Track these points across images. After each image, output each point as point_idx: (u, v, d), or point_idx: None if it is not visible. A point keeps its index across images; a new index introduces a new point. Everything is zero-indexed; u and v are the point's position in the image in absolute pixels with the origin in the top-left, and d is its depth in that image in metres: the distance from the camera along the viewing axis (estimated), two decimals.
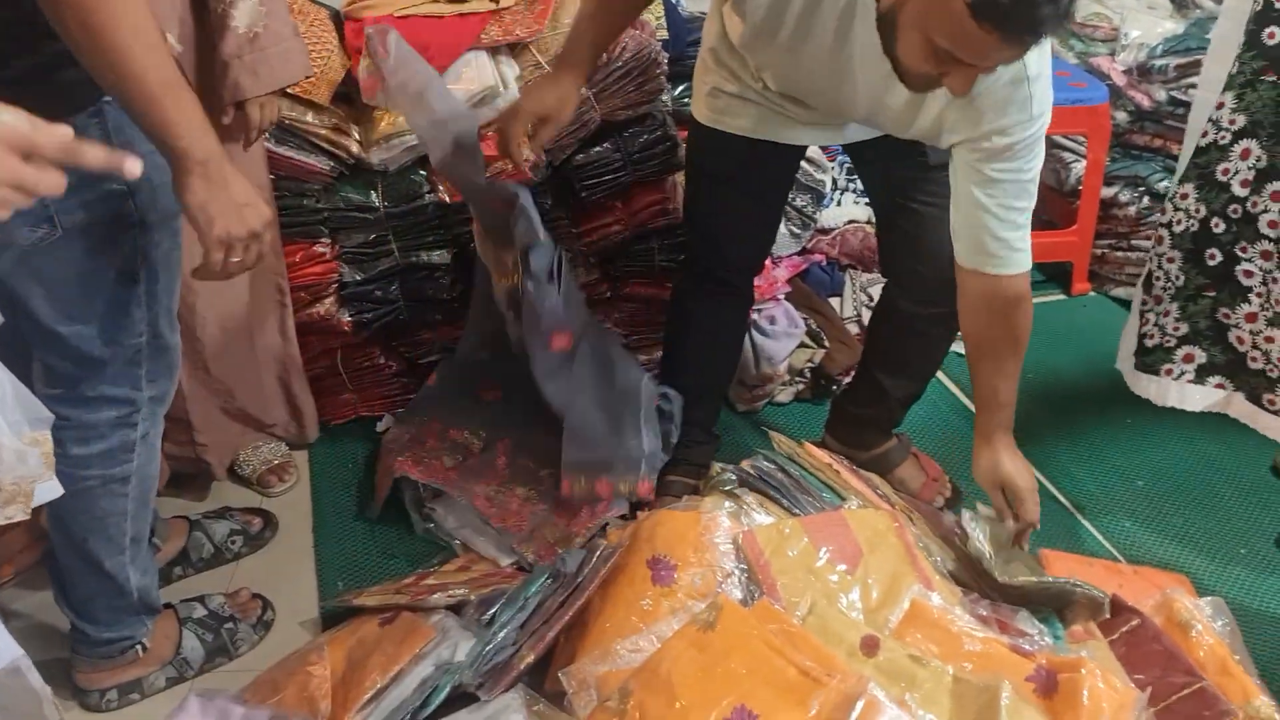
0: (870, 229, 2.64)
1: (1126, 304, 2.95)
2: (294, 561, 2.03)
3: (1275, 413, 1.97)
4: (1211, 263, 1.96)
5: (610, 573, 1.62)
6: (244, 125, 1.79)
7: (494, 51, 2.07)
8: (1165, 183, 2.82)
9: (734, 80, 1.77)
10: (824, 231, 2.65)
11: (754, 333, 2.36)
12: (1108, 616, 1.65)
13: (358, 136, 2.09)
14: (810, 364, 2.47)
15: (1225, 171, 1.90)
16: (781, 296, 2.47)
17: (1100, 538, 2.13)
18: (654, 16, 2.24)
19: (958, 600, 1.62)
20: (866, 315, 2.53)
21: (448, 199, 2.13)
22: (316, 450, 2.32)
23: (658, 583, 1.59)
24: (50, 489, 1.18)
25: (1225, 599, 1.79)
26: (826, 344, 2.48)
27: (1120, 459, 2.36)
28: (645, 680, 1.44)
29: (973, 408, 2.51)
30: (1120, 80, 2.92)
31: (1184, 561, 2.07)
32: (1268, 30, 1.81)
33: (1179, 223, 2.00)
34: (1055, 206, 3.14)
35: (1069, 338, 2.83)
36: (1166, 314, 2.03)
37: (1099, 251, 3.01)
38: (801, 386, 2.50)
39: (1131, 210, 2.89)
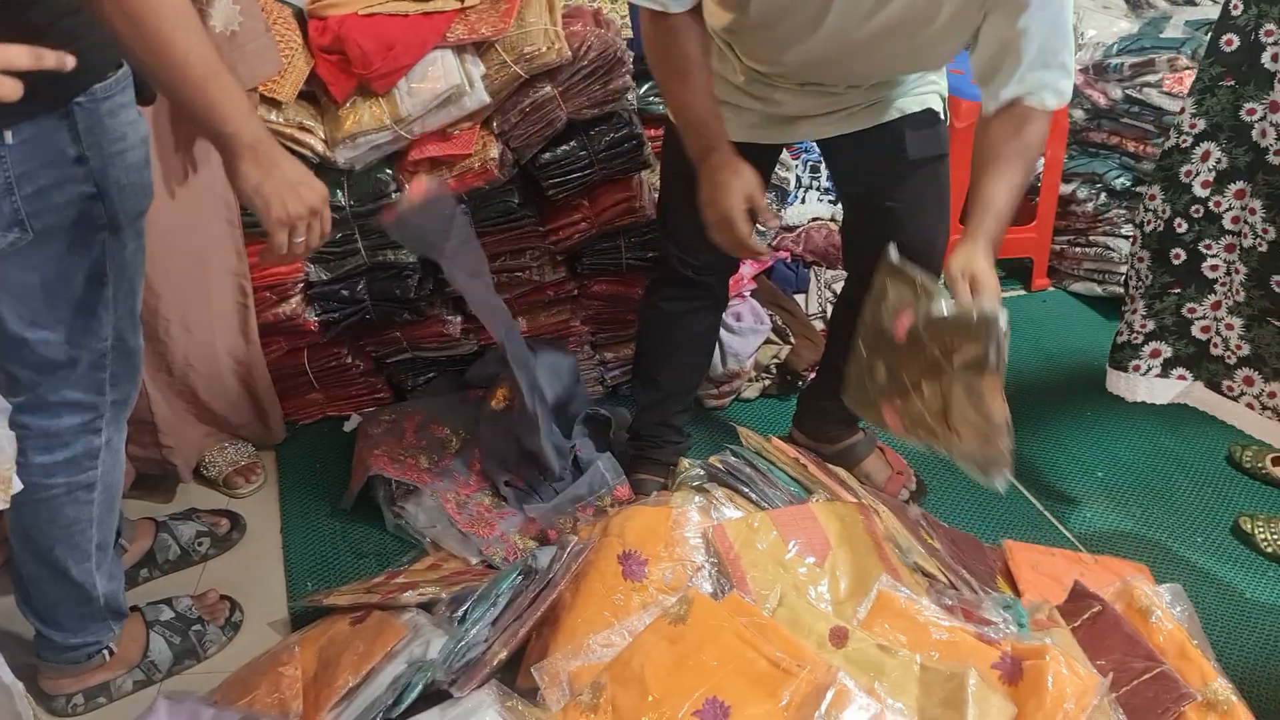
0: (834, 226, 2.66)
1: (1085, 299, 3.02)
2: (262, 562, 2.02)
3: (1234, 399, 2.01)
4: (1176, 261, 2.00)
5: (581, 568, 1.63)
6: None
7: (460, 50, 2.07)
8: (1122, 179, 2.87)
9: (718, 84, 1.74)
10: (789, 229, 2.68)
11: (720, 330, 2.38)
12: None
13: (323, 135, 2.08)
14: (776, 360, 2.50)
15: (1188, 174, 1.94)
16: (747, 293, 2.49)
17: (1061, 528, 2.17)
18: (619, 15, 2.25)
19: (924, 591, 1.65)
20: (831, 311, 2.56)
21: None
22: (283, 451, 2.30)
23: (629, 577, 1.60)
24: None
25: (1183, 586, 1.83)
26: (792, 340, 2.51)
27: (1080, 451, 2.41)
28: (618, 674, 1.45)
29: None
30: (1077, 79, 2.96)
31: (1143, 550, 2.11)
32: (1225, 37, 1.85)
33: (1149, 223, 2.04)
34: None
35: (1029, 333, 2.87)
36: (1134, 311, 2.07)
37: (1058, 247, 3.06)
38: (768, 383, 2.52)
39: (1089, 207, 2.94)
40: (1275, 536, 2.10)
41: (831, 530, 1.66)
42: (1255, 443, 2.34)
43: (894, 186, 1.86)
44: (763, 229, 2.06)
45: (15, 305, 1.32)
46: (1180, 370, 2.06)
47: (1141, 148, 2.84)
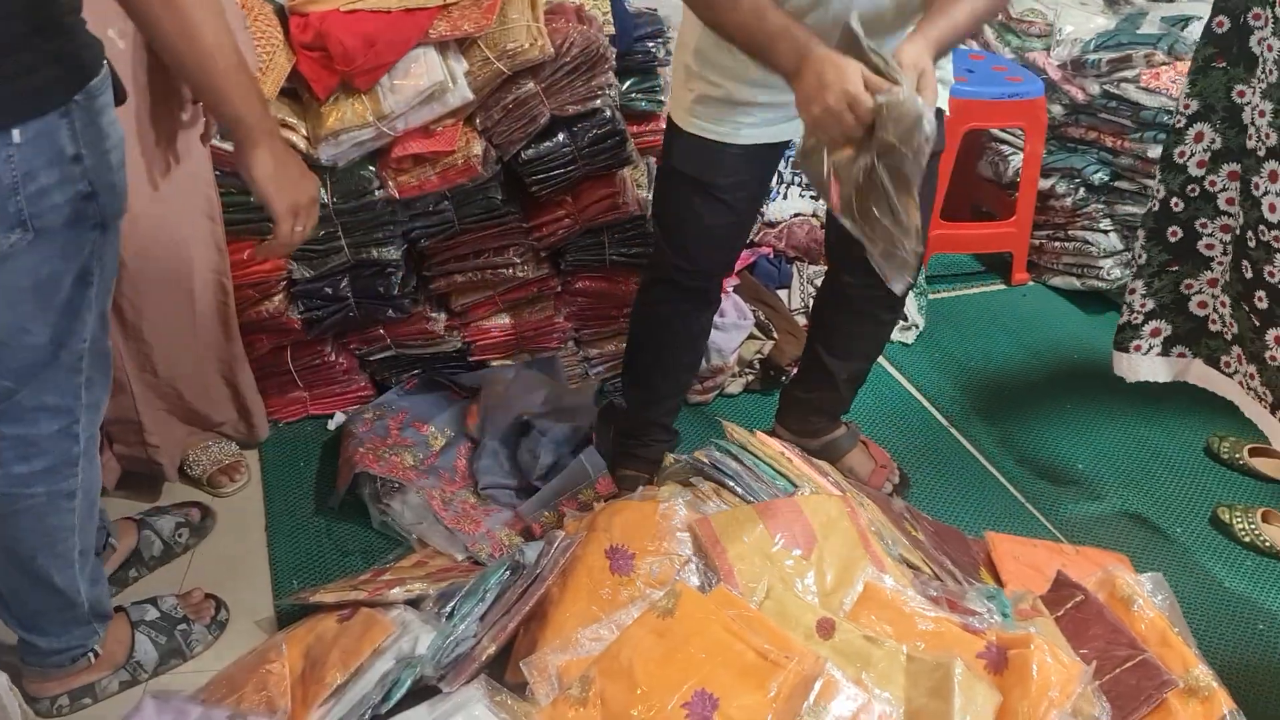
0: (816, 222, 2.68)
1: (1065, 293, 3.04)
2: (247, 561, 2.01)
3: (1229, 375, 2.03)
4: (1173, 239, 2.02)
5: (569, 563, 1.63)
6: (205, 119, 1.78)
7: (442, 47, 2.07)
8: (1100, 174, 2.90)
9: (725, 77, 1.71)
10: (771, 225, 2.69)
11: None
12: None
13: (305, 132, 2.07)
14: (759, 355, 2.51)
15: (1181, 154, 1.97)
16: (730, 289, 2.50)
17: (1043, 519, 2.19)
18: (601, 12, 2.26)
19: (909, 582, 1.66)
20: None
21: (397, 195, 2.12)
22: (267, 449, 2.30)
23: (616, 572, 1.60)
24: None
25: (1163, 575, 1.85)
26: (775, 335, 2.52)
27: (1061, 444, 2.43)
28: (606, 668, 1.46)
29: (920, 398, 2.58)
30: (1055, 75, 2.99)
31: (1123, 541, 2.13)
32: (1217, 19, 1.88)
33: (1150, 204, 2.07)
34: (994, 198, 3.21)
35: (1009, 326, 2.89)
36: (1134, 292, 2.09)
37: (1037, 242, 3.08)
38: (751, 378, 2.53)
39: (1068, 201, 2.96)
40: (1252, 526, 2.12)
41: (817, 523, 1.67)
42: (1233, 434, 2.37)
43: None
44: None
45: (5, 310, 1.30)
46: (1180, 348, 2.08)
47: (1119, 143, 2.86)
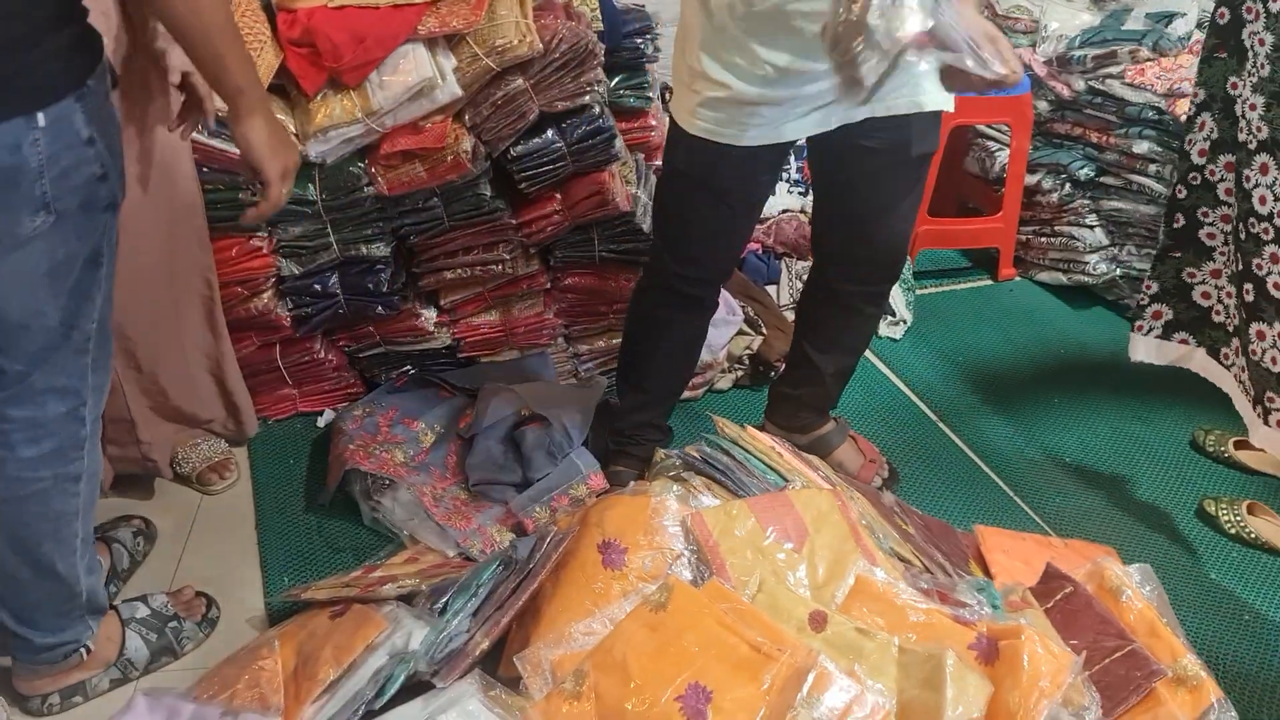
0: (804, 218, 2.69)
1: (1051, 288, 3.06)
2: (238, 558, 2.01)
3: (1227, 367, 2.05)
4: (1176, 225, 2.05)
5: (561, 558, 1.63)
6: (196, 106, 1.77)
7: (431, 43, 2.07)
8: (1085, 170, 2.91)
9: (734, 76, 1.67)
10: (759, 221, 2.69)
11: None
12: None
13: (294, 129, 2.07)
14: (748, 351, 2.51)
15: (1189, 142, 2.00)
16: None
17: (1031, 513, 2.20)
18: (589, 9, 2.26)
19: (900, 575, 1.67)
20: None
21: (386, 191, 2.12)
22: (257, 446, 2.29)
23: (609, 566, 1.60)
24: None
25: (1151, 567, 1.86)
26: (764, 331, 2.53)
27: (1048, 438, 2.44)
28: (600, 662, 1.46)
29: (908, 393, 2.60)
30: (1041, 71, 3.00)
31: (1111, 533, 2.14)
32: (1219, 10, 1.91)
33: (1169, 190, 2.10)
34: (981, 194, 3.23)
35: (997, 322, 2.91)
36: (1147, 273, 2.12)
37: (1023, 237, 3.10)
38: (740, 373, 2.54)
39: (1054, 197, 2.98)
40: (1238, 518, 2.14)
41: (808, 516, 1.68)
42: (1218, 427, 2.39)
43: (884, 180, 1.86)
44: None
45: (22, 294, 1.33)
46: (1182, 334, 2.09)
47: (1104, 139, 2.88)
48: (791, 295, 2.69)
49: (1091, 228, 2.95)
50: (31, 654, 1.63)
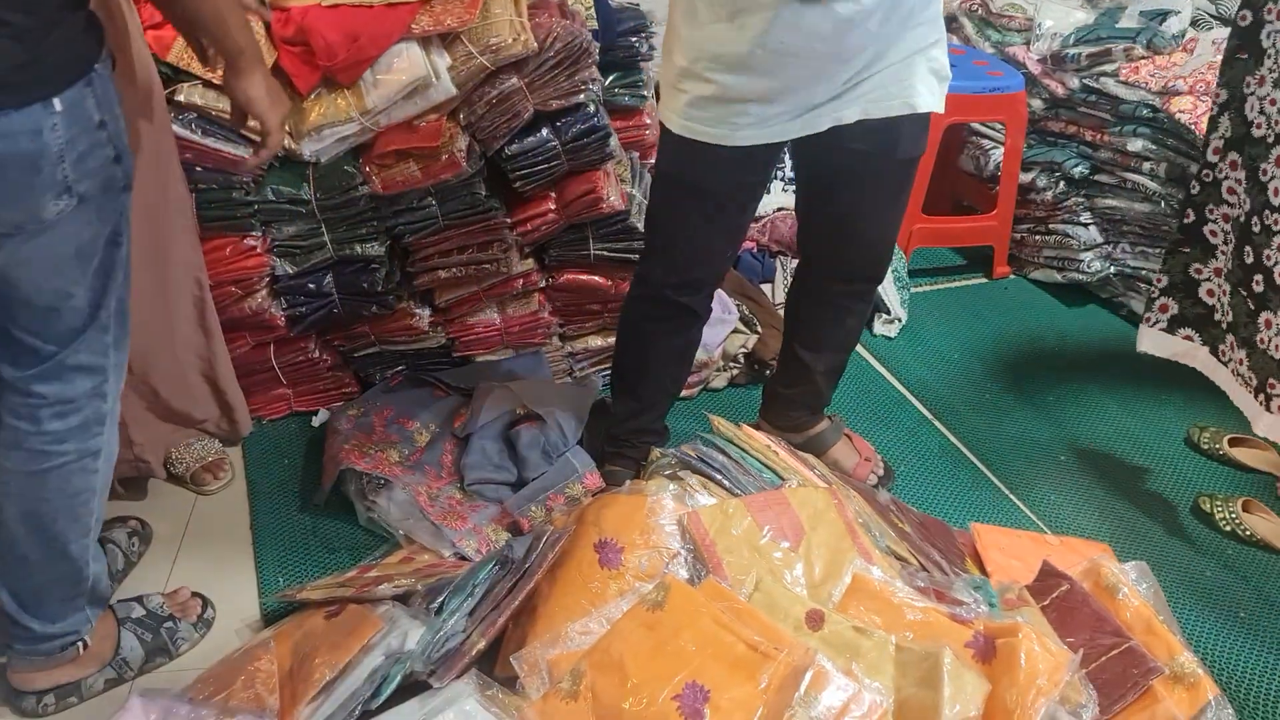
0: None
1: (1046, 286, 3.06)
2: (232, 559, 2.00)
3: (1224, 363, 2.05)
4: (1187, 220, 2.07)
5: (558, 557, 1.63)
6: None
7: (425, 42, 2.06)
8: (1080, 168, 2.91)
9: (723, 70, 1.64)
10: (754, 219, 2.69)
11: None
12: None
13: (287, 128, 2.06)
14: (744, 350, 2.51)
15: (1208, 141, 2.02)
16: None
17: (1027, 511, 2.20)
18: (584, 6, 2.25)
19: (897, 573, 1.67)
20: None
21: (381, 190, 2.11)
22: (251, 446, 2.28)
23: (605, 565, 1.60)
24: None
25: (1147, 564, 1.87)
26: (759, 329, 2.52)
27: (1043, 436, 2.44)
28: (597, 661, 1.46)
29: (903, 391, 2.59)
30: (1035, 69, 3.00)
31: (1106, 531, 2.15)
32: (1241, 13, 1.93)
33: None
34: (975, 192, 3.23)
35: (991, 320, 2.91)
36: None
37: (1018, 236, 3.10)
38: (736, 372, 2.54)
39: (1049, 195, 2.98)
40: (1233, 515, 2.14)
41: (805, 515, 1.68)
42: (1213, 424, 2.39)
43: (871, 183, 1.86)
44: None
45: (52, 278, 1.38)
46: (1187, 330, 2.10)
47: (1099, 136, 2.88)
48: (786, 293, 2.68)
49: (1086, 226, 2.95)
50: (30, 643, 1.62)
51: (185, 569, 1.97)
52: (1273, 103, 1.85)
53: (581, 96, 2.17)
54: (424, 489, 2.06)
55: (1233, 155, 1.95)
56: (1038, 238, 3.06)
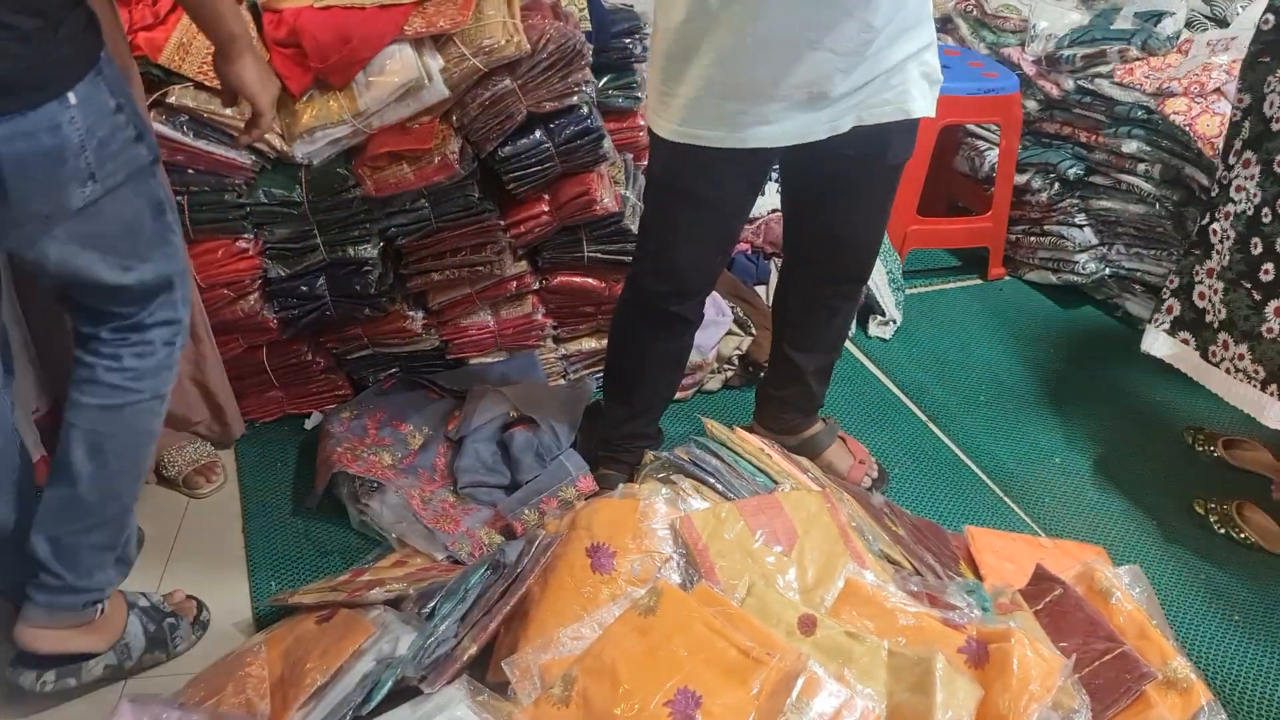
0: None
1: (1040, 288, 3.06)
2: (225, 563, 2.00)
3: (1215, 364, 2.05)
4: (1203, 222, 2.08)
5: (550, 562, 1.62)
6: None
7: (418, 43, 2.05)
8: (1075, 169, 2.91)
9: (714, 61, 1.61)
10: (748, 221, 2.69)
11: None
12: None
13: (279, 130, 2.06)
14: (738, 352, 2.51)
15: (1229, 144, 2.03)
16: None
17: (1021, 513, 2.20)
18: (577, 8, 2.25)
19: (890, 577, 1.66)
20: None
21: (373, 192, 2.11)
22: (244, 449, 2.28)
23: (597, 570, 1.60)
24: None
25: (1140, 568, 1.86)
26: (754, 331, 2.52)
27: (1037, 438, 2.44)
28: (588, 666, 1.45)
29: (897, 393, 2.59)
30: (1030, 70, 3.00)
31: (1100, 534, 2.14)
32: (1265, 17, 1.95)
33: None
34: (970, 193, 3.23)
35: (986, 321, 2.91)
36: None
37: (1013, 237, 3.10)
38: (730, 374, 2.54)
39: (1043, 196, 2.97)
40: (1227, 517, 2.14)
41: (798, 519, 1.67)
42: (1207, 427, 2.39)
43: (858, 188, 1.86)
44: None
45: (107, 258, 1.47)
46: (1185, 334, 2.11)
47: (1094, 138, 2.88)
48: (774, 295, 2.68)
49: (1080, 227, 2.95)
50: (54, 594, 1.62)
51: (177, 572, 1.96)
52: None
53: (575, 98, 2.16)
54: (417, 492, 2.06)
55: (1247, 154, 1.96)
56: (1032, 239, 3.06)
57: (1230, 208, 1.99)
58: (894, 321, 2.81)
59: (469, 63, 2.05)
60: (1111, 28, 2.89)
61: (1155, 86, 2.71)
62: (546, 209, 2.25)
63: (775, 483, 1.81)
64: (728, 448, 1.89)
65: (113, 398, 1.56)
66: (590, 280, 2.37)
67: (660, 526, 1.64)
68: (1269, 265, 1.90)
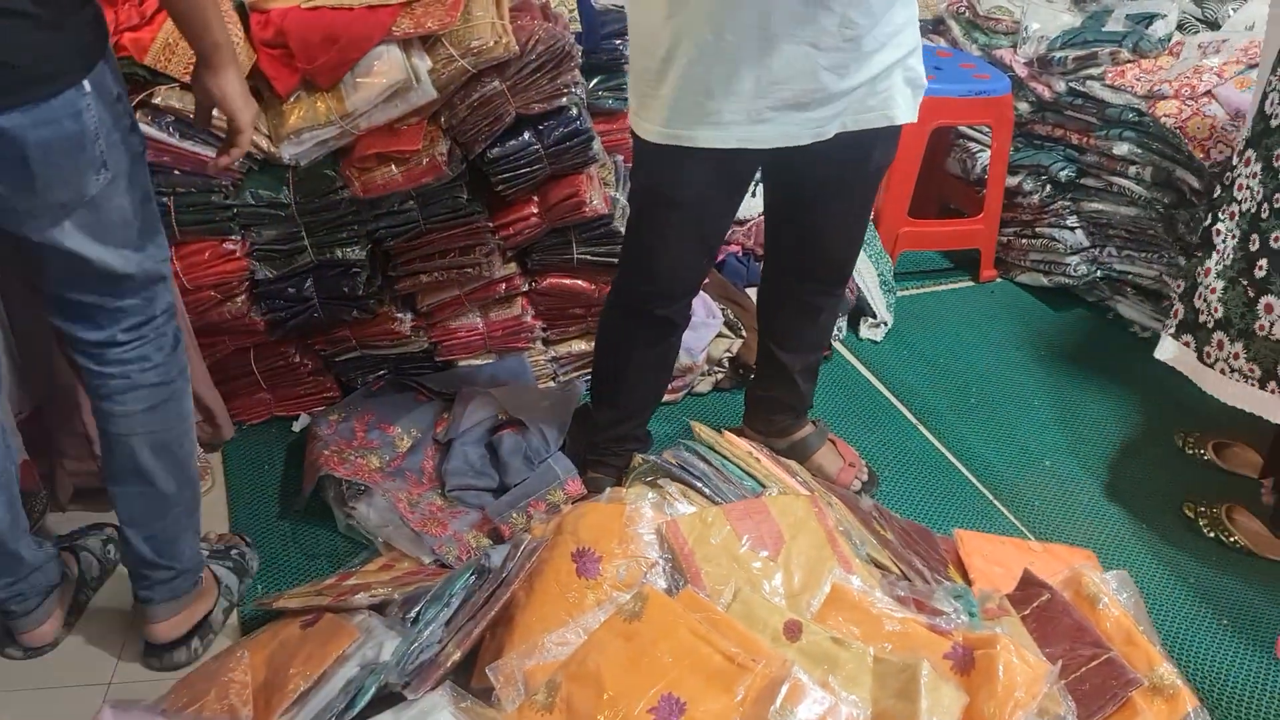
0: None
1: (1032, 290, 3.06)
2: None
3: (1210, 365, 2.05)
4: (1207, 223, 2.07)
5: (535, 566, 1.62)
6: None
7: (406, 44, 2.04)
8: (1066, 171, 2.91)
9: (703, 55, 1.59)
10: (739, 223, 2.69)
11: None
12: None
13: (266, 131, 2.05)
14: (728, 354, 2.50)
15: (1238, 151, 2.03)
16: None
17: (1011, 517, 2.20)
18: (567, 9, 2.24)
19: (877, 583, 1.66)
20: None
21: (361, 194, 2.10)
22: (231, 452, 2.27)
23: (583, 575, 1.59)
24: None
25: (1129, 572, 1.86)
26: (744, 334, 2.51)
27: (1028, 441, 2.44)
28: (573, 672, 1.45)
29: (888, 395, 2.59)
30: (1022, 72, 3.00)
31: (1090, 537, 2.14)
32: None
33: None
34: (962, 195, 3.23)
35: (977, 323, 2.90)
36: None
37: (1004, 239, 3.09)
38: (720, 376, 2.53)
39: (1035, 198, 2.97)
40: (1217, 521, 2.14)
41: (785, 524, 1.67)
42: (1197, 430, 2.39)
43: (839, 192, 1.86)
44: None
45: (115, 247, 1.48)
46: (1187, 336, 2.10)
47: (1085, 140, 2.87)
48: (758, 296, 2.68)
49: (1072, 229, 2.94)
50: (166, 588, 1.72)
51: None
52: None
53: (564, 99, 2.16)
54: (404, 495, 2.05)
55: (1249, 153, 1.96)
56: (1024, 241, 3.05)
57: (1234, 207, 1.99)
58: (885, 324, 2.81)
59: (457, 64, 2.04)
60: (1103, 30, 2.88)
61: (1147, 89, 2.71)
62: (536, 211, 2.24)
63: (763, 487, 1.81)
64: (715, 451, 1.89)
65: (157, 395, 1.61)
66: (580, 282, 2.36)
67: (646, 531, 1.64)
68: (1263, 261, 1.90)
